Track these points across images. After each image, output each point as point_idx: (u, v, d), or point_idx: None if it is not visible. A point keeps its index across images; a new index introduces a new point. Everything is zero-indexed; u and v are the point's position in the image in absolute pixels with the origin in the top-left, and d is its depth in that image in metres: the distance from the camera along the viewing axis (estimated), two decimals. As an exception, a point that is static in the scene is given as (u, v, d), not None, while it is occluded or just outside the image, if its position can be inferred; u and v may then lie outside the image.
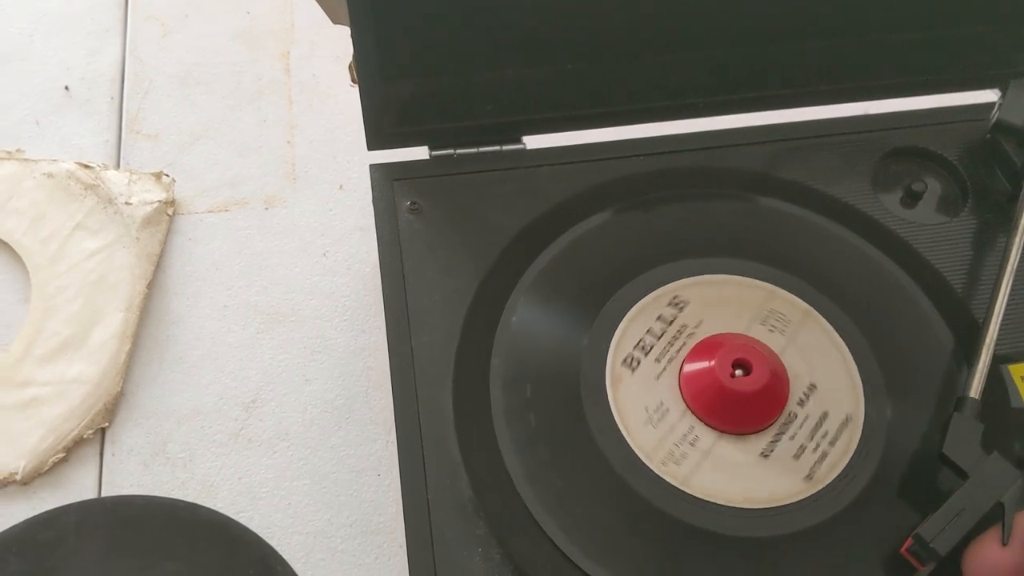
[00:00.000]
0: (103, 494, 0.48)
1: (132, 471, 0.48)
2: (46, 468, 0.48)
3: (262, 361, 0.51)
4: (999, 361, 0.44)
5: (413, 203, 0.47)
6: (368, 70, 0.47)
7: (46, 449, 0.48)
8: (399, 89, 0.47)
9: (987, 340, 0.41)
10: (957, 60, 0.52)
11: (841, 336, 0.43)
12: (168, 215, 0.55)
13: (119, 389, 0.50)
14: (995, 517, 0.37)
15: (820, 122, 0.51)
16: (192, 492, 0.48)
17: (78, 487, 0.48)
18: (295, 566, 0.46)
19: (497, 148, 0.50)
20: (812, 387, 0.42)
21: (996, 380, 0.43)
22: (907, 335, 0.44)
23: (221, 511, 0.47)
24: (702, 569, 0.38)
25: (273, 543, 0.47)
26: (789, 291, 0.45)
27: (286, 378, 0.51)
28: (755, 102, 0.51)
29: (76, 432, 0.48)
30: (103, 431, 0.49)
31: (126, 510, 0.47)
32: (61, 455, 0.48)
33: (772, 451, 0.40)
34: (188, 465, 0.49)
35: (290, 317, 0.53)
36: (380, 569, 0.46)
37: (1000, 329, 0.44)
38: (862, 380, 0.42)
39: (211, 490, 0.48)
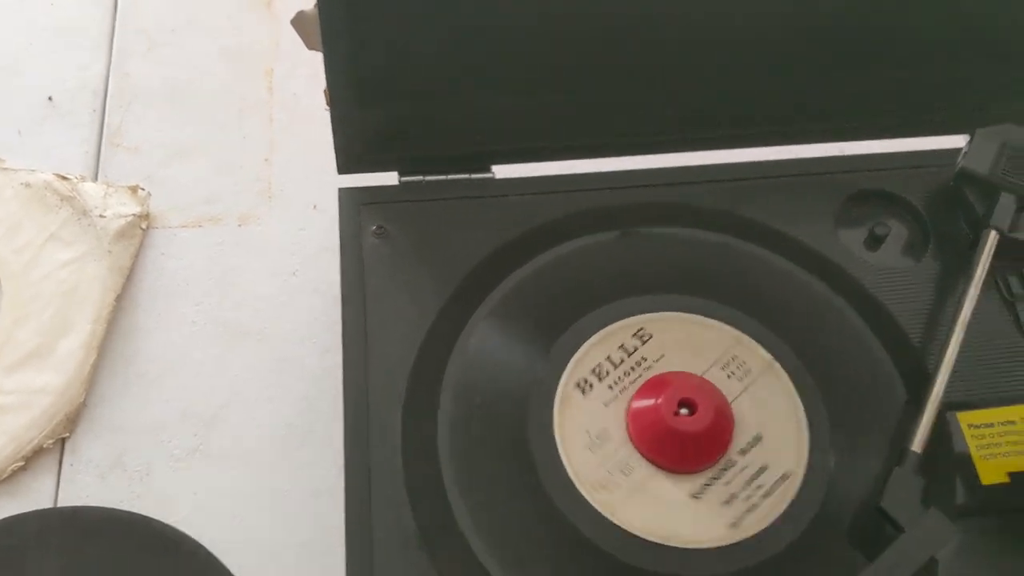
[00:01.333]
0: (59, 504, 0.48)
1: (89, 482, 0.49)
2: (4, 476, 0.48)
3: (226, 378, 0.52)
4: (950, 408, 0.44)
5: (379, 227, 0.48)
6: (340, 96, 0.47)
7: (6, 457, 0.48)
8: (370, 115, 0.48)
9: (933, 394, 0.41)
10: (928, 105, 0.52)
11: (798, 391, 0.43)
12: (142, 229, 0.56)
13: (82, 400, 0.50)
14: (929, 573, 0.38)
15: (787, 162, 0.51)
16: (148, 505, 0.48)
17: (35, 495, 0.48)
18: (246, 584, 0.46)
19: (466, 176, 0.50)
20: (758, 438, 0.42)
21: (953, 427, 0.44)
22: (861, 386, 0.44)
23: (175, 526, 0.48)
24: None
25: (225, 560, 0.47)
26: (755, 339, 0.45)
27: (249, 396, 0.51)
28: (724, 140, 0.51)
29: (37, 441, 0.49)
30: (63, 441, 0.50)
31: (81, 521, 0.48)
32: (20, 463, 0.48)
33: (703, 493, 0.41)
34: (145, 479, 0.49)
35: (257, 335, 0.53)
36: (330, 590, 0.46)
37: (953, 376, 0.44)
38: (810, 440, 0.42)
39: (167, 504, 0.48)
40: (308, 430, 0.50)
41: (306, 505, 0.48)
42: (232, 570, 0.47)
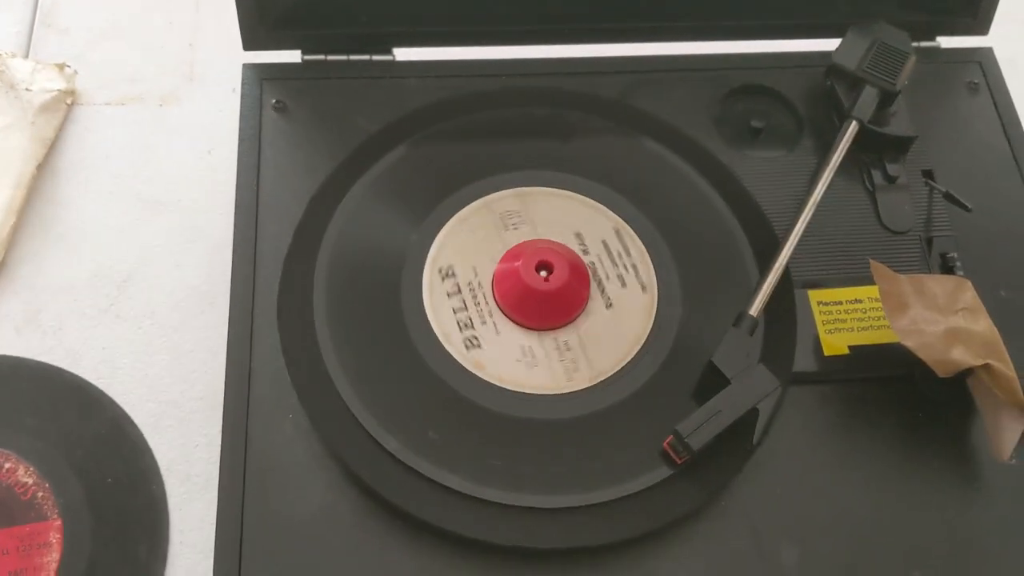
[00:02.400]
0: (-25, 354, 0.52)
1: (5, 335, 0.52)
2: (-76, 325, 0.51)
3: (139, 245, 0.55)
4: (804, 287, 0.47)
5: (278, 101, 0.50)
6: (243, -29, 0.49)
7: (-74, 308, 0.52)
8: (274, -7, 0.50)
9: (775, 264, 0.44)
10: (817, 5, 0.54)
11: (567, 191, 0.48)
12: (67, 104, 0.58)
13: (0, 259, 0.53)
14: (750, 420, 0.41)
15: (674, 57, 0.53)
16: (58, 358, 0.51)
17: (-48, 344, 0.52)
18: (144, 430, 0.50)
19: (367, 57, 0.52)
20: (579, 235, 0.46)
21: (803, 303, 0.47)
22: (714, 258, 0.47)
23: (82, 377, 0.51)
24: (514, 448, 0.42)
25: (127, 409, 0.50)
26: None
27: (159, 262, 0.54)
28: (619, 33, 0.54)
29: (-44, 295, 0.52)
30: (-18, 296, 0.53)
31: (-6, 368, 0.51)
32: (-61, 315, 0.52)
33: (610, 300, 0.45)
34: (58, 334, 0.52)
35: (170, 207, 0.56)
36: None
37: (810, 257, 0.47)
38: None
39: (76, 358, 0.51)
40: (211, 295, 0.53)
41: (205, 363, 0.52)
42: (133, 419, 0.50)
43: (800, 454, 0.43)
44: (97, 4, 0.63)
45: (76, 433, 0.49)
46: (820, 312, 0.46)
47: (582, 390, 0.43)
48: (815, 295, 0.46)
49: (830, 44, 0.54)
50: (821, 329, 0.46)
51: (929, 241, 0.48)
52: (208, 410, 0.50)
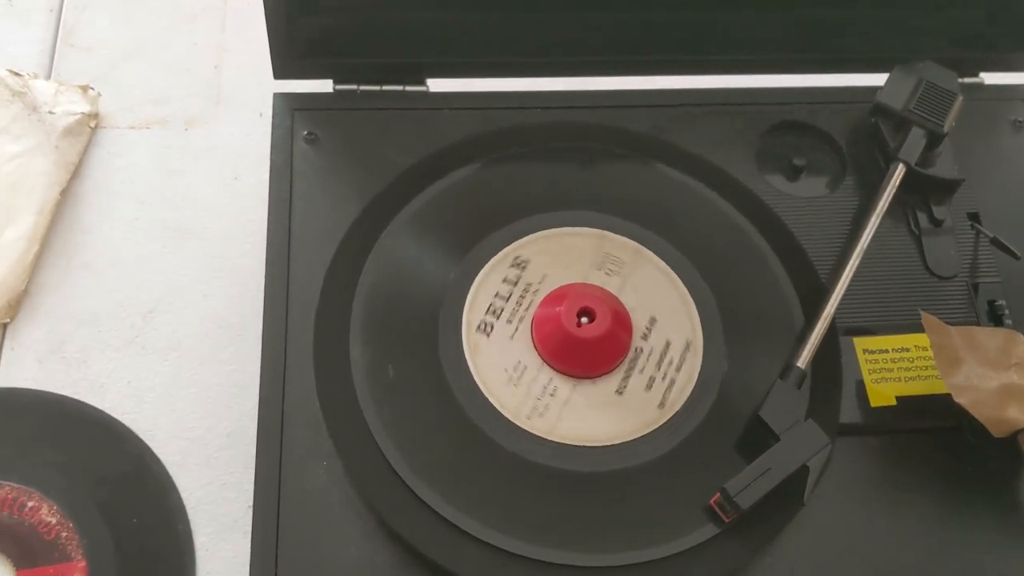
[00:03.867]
0: (-2, 385, 0.50)
1: (28, 366, 0.51)
2: (-54, 356, 0.50)
3: (164, 274, 0.54)
4: (849, 334, 0.46)
5: (310, 133, 0.49)
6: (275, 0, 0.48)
7: (-52, 338, 0.51)
8: (306, 22, 0.49)
9: (823, 314, 0.43)
10: (860, 41, 0.53)
11: (672, 269, 0.46)
12: (90, 127, 0.57)
13: (23, 288, 0.52)
14: (802, 478, 0.40)
15: (715, 91, 0.52)
16: (82, 391, 0.50)
17: (-26, 376, 0.51)
18: (170, 468, 0.49)
19: (400, 88, 0.51)
20: (653, 320, 0.44)
21: (849, 351, 0.46)
22: (758, 303, 0.46)
23: (107, 411, 0.50)
24: (559, 503, 0.41)
25: (152, 445, 0.49)
26: (620, 233, 0.47)
27: (185, 292, 0.53)
28: (657, 65, 0.53)
29: (-22, 325, 0.51)
30: (4, 326, 0.52)
31: (16, 402, 0.50)
32: (-39, 345, 0.51)
33: (626, 387, 0.43)
34: (82, 366, 0.51)
35: (196, 235, 0.55)
36: (250, 478, 0.47)
37: (855, 304, 0.46)
38: (696, 306, 0.45)
39: (100, 391, 0.50)
40: (239, 327, 0.52)
41: (233, 398, 0.50)
42: (159, 456, 0.49)
43: (845, 507, 0.42)
44: (120, 23, 0.62)
45: (101, 470, 0.48)
46: (866, 361, 0.45)
47: (618, 444, 0.42)
48: (860, 343, 0.45)
49: (872, 79, 0.53)
50: (868, 378, 0.44)
51: (975, 287, 0.47)
52: (235, 447, 0.49)
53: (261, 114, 0.58)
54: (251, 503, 0.48)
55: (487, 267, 0.45)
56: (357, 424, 0.41)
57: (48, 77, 0.59)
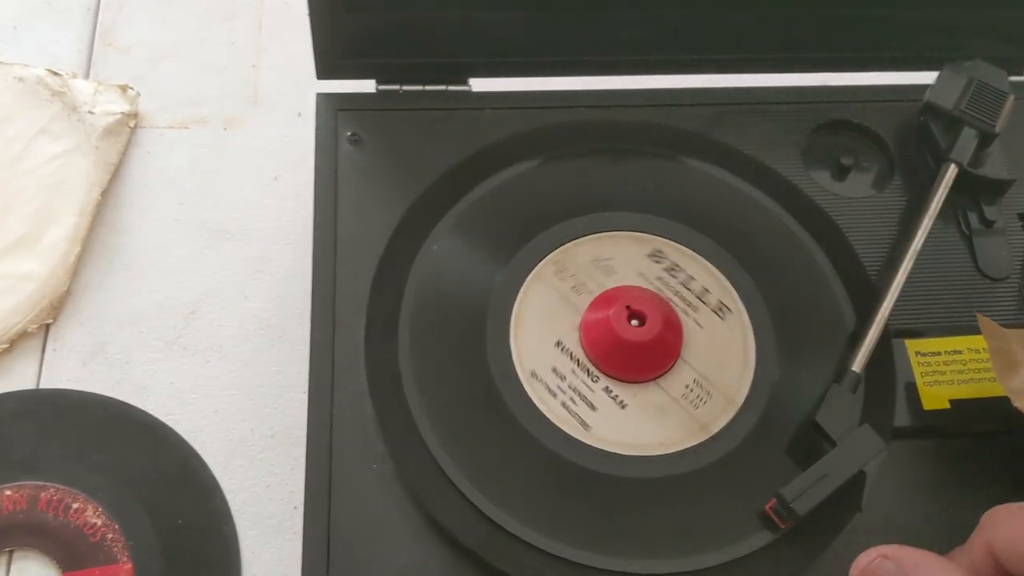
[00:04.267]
0: (41, 386, 0.50)
1: (71, 367, 0.51)
2: (-10, 357, 0.50)
3: (205, 275, 0.53)
4: (899, 336, 0.45)
5: (353, 134, 0.49)
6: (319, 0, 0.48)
7: (-8, 339, 0.51)
8: (349, 21, 0.49)
9: (877, 317, 0.43)
10: (907, 39, 0.52)
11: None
12: (129, 127, 0.57)
13: (66, 288, 0.52)
14: (858, 484, 0.40)
15: (761, 89, 0.52)
16: (125, 392, 0.50)
17: (18, 377, 0.50)
18: (214, 470, 0.48)
19: (443, 88, 0.51)
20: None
21: (901, 353, 0.45)
22: (810, 307, 0.45)
23: (150, 412, 0.50)
24: (611, 509, 0.40)
25: (196, 446, 0.49)
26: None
27: (226, 293, 0.53)
28: (702, 64, 0.52)
29: (21, 326, 0.51)
30: (47, 327, 0.52)
31: (61, 402, 0.50)
32: (4, 346, 0.50)
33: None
34: (124, 367, 0.51)
35: (236, 236, 0.55)
36: (295, 479, 0.49)
37: (905, 306, 0.45)
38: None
39: (143, 392, 0.50)
40: (280, 329, 0.52)
41: (276, 399, 0.50)
42: (203, 457, 0.49)
43: (899, 512, 0.42)
44: (158, 22, 0.61)
45: (145, 472, 0.48)
46: (918, 363, 0.44)
47: (672, 452, 0.41)
48: (912, 345, 0.45)
49: (917, 77, 0.52)
50: (920, 381, 0.44)
51: (1027, 288, 0.47)
52: (279, 448, 0.49)
53: (300, 114, 0.58)
54: (296, 504, 0.48)
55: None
56: (408, 426, 0.41)
57: (86, 77, 0.59)
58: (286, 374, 0.51)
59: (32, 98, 0.57)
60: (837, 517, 0.40)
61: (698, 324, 0.44)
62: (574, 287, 0.45)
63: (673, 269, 0.45)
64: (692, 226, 0.46)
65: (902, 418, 0.43)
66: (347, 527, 0.40)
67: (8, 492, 0.46)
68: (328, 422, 0.42)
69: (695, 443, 0.42)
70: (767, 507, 0.39)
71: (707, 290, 0.45)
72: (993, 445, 0.43)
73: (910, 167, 0.49)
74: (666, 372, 0.43)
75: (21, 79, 0.57)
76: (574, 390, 0.43)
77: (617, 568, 0.38)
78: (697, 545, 0.39)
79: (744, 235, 0.46)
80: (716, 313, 0.44)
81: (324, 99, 0.50)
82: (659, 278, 0.45)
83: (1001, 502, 0.42)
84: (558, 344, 0.43)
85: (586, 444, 0.41)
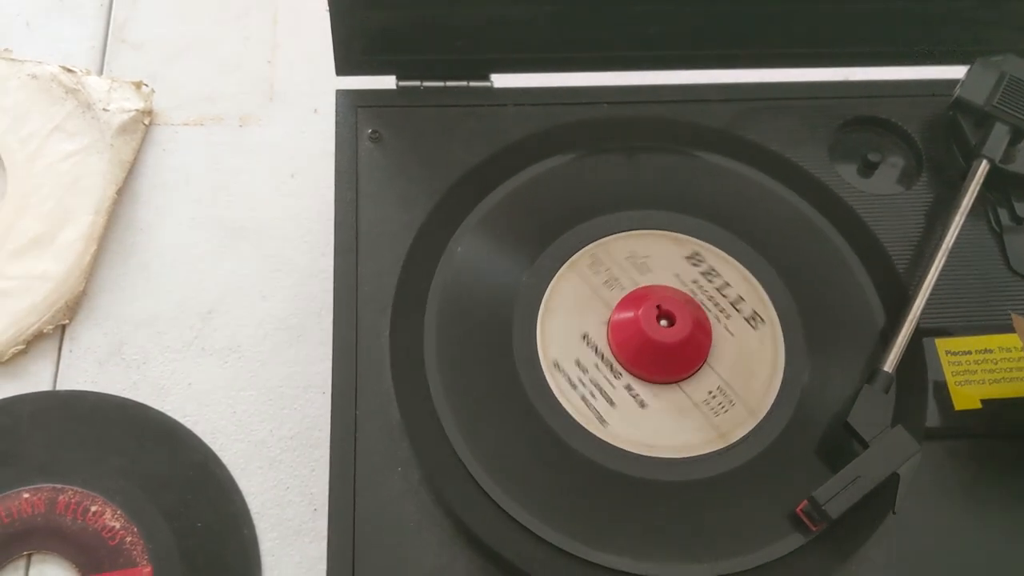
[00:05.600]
0: (58, 388, 0.50)
1: (87, 369, 0.50)
2: (5, 358, 0.50)
3: (222, 274, 0.53)
4: (928, 335, 0.44)
5: (374, 131, 0.48)
6: (340, -5, 0.47)
7: (7, 340, 0.50)
8: (369, 17, 0.48)
9: (908, 317, 0.42)
10: (933, 34, 0.52)
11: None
12: (144, 124, 0.56)
13: (82, 289, 0.51)
14: (891, 486, 0.39)
15: (786, 84, 0.51)
16: (143, 393, 0.50)
17: (35, 379, 0.50)
18: (233, 472, 0.48)
19: (464, 84, 0.50)
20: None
21: (931, 352, 0.44)
22: (840, 306, 0.45)
23: (169, 414, 0.49)
24: (640, 512, 0.40)
25: (215, 448, 0.48)
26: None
27: (244, 293, 0.52)
28: (727, 59, 0.51)
29: (37, 326, 0.50)
30: (63, 328, 0.51)
31: (79, 404, 0.49)
32: (21, 347, 0.50)
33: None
34: (141, 367, 0.50)
35: (253, 234, 0.54)
36: (315, 481, 0.48)
37: (934, 304, 0.45)
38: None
39: (161, 393, 0.50)
40: (298, 328, 0.51)
41: (294, 400, 0.50)
42: (222, 459, 0.49)
43: (930, 513, 0.41)
44: (171, 18, 0.61)
45: (164, 475, 0.48)
46: (949, 363, 0.44)
47: (704, 455, 0.41)
48: (943, 344, 0.44)
49: (942, 71, 0.51)
50: (951, 381, 0.43)
51: (1059, 286, 0.46)
52: (299, 449, 0.49)
53: (316, 110, 0.58)
54: (316, 507, 0.47)
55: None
56: (435, 430, 0.40)
57: (100, 73, 0.58)
58: (305, 374, 0.50)
59: (46, 95, 0.56)
60: (869, 520, 0.40)
61: (729, 331, 0.43)
62: (607, 282, 0.44)
63: (710, 273, 0.44)
64: (730, 229, 0.45)
65: (933, 418, 0.42)
66: (372, 532, 0.40)
67: (26, 495, 0.46)
68: (352, 425, 0.41)
69: (711, 450, 0.41)
70: (798, 509, 0.38)
71: (742, 298, 0.44)
72: (1025, 446, 0.43)
73: (938, 164, 0.49)
74: (690, 376, 0.42)
75: (35, 76, 0.57)
76: (595, 384, 0.42)
77: (643, 572, 0.38)
78: (726, 549, 0.38)
79: (776, 236, 0.46)
80: (748, 322, 0.43)
81: (344, 95, 0.49)
82: (695, 281, 0.44)
83: (1035, 504, 0.42)
84: (584, 337, 0.43)
85: (616, 447, 0.40)
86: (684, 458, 0.40)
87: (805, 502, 0.38)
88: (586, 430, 0.41)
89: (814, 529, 0.38)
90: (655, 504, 0.39)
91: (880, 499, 0.39)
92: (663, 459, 0.40)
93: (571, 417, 0.41)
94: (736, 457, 0.41)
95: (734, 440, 0.41)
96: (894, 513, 0.38)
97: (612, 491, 0.40)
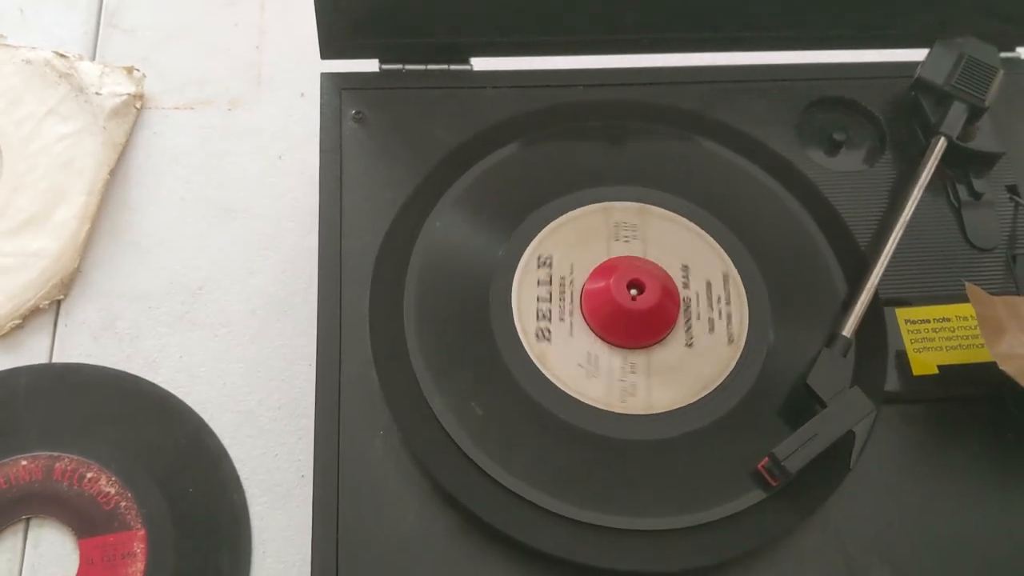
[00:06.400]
0: (54, 361, 0.52)
1: (82, 342, 0.52)
2: (3, 333, 0.51)
3: (212, 252, 0.55)
4: (889, 304, 0.46)
5: (358, 112, 0.50)
6: (324, -21, 0.49)
7: (4, 315, 0.51)
8: (353, 2, 0.50)
9: (867, 284, 0.44)
10: (897, 16, 0.53)
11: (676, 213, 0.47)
12: (136, 108, 0.58)
13: (76, 266, 0.53)
14: (848, 444, 0.41)
15: (756, 67, 0.53)
16: (136, 366, 0.51)
17: (31, 353, 0.52)
18: (223, 440, 0.50)
19: (445, 67, 0.52)
20: (685, 268, 0.46)
21: (891, 321, 0.46)
22: (802, 276, 0.47)
23: (161, 386, 0.51)
24: (611, 470, 0.42)
25: (205, 418, 0.50)
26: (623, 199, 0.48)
27: (233, 269, 0.54)
28: (698, 43, 0.53)
29: (33, 302, 0.52)
30: (58, 303, 0.53)
31: (74, 377, 0.51)
32: (17, 322, 0.52)
33: (692, 338, 0.44)
34: (134, 341, 0.52)
35: (242, 214, 0.56)
36: (302, 448, 0.50)
37: (895, 276, 0.47)
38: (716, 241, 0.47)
39: (153, 366, 0.52)
40: (286, 304, 0.53)
41: (282, 372, 0.52)
42: (212, 428, 0.50)
43: (890, 474, 0.43)
44: (162, 5, 0.62)
45: (157, 443, 0.49)
46: (908, 331, 0.46)
47: (672, 411, 0.43)
48: (902, 313, 0.46)
49: (909, 54, 0.53)
50: (909, 348, 0.45)
51: (1014, 258, 0.48)
52: (286, 419, 0.51)
53: (302, 94, 0.59)
54: (303, 473, 0.49)
55: (517, 274, 0.46)
56: (413, 394, 0.42)
57: (92, 59, 0.60)
58: (292, 347, 0.52)
59: (40, 80, 0.58)
60: (828, 479, 0.41)
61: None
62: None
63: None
64: (700, 204, 0.48)
65: (892, 383, 0.44)
66: (355, 494, 0.41)
67: (24, 462, 0.48)
68: (336, 392, 0.43)
69: (678, 407, 0.43)
70: (759, 466, 0.40)
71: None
72: (981, 409, 0.45)
73: (901, 142, 0.51)
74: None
75: (29, 62, 0.58)
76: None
77: (613, 525, 0.39)
78: (690, 504, 0.40)
79: (746, 213, 0.48)
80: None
81: (328, 78, 0.51)
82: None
83: (990, 464, 0.44)
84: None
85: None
86: (653, 415, 0.42)
87: (766, 459, 0.40)
88: (560, 391, 0.42)
89: (774, 484, 0.40)
90: (625, 461, 0.41)
91: (839, 460, 0.41)
92: (634, 416, 0.42)
93: (546, 379, 0.43)
94: (702, 416, 0.43)
95: (700, 399, 0.43)
96: (850, 470, 0.40)
97: (584, 449, 0.42)
